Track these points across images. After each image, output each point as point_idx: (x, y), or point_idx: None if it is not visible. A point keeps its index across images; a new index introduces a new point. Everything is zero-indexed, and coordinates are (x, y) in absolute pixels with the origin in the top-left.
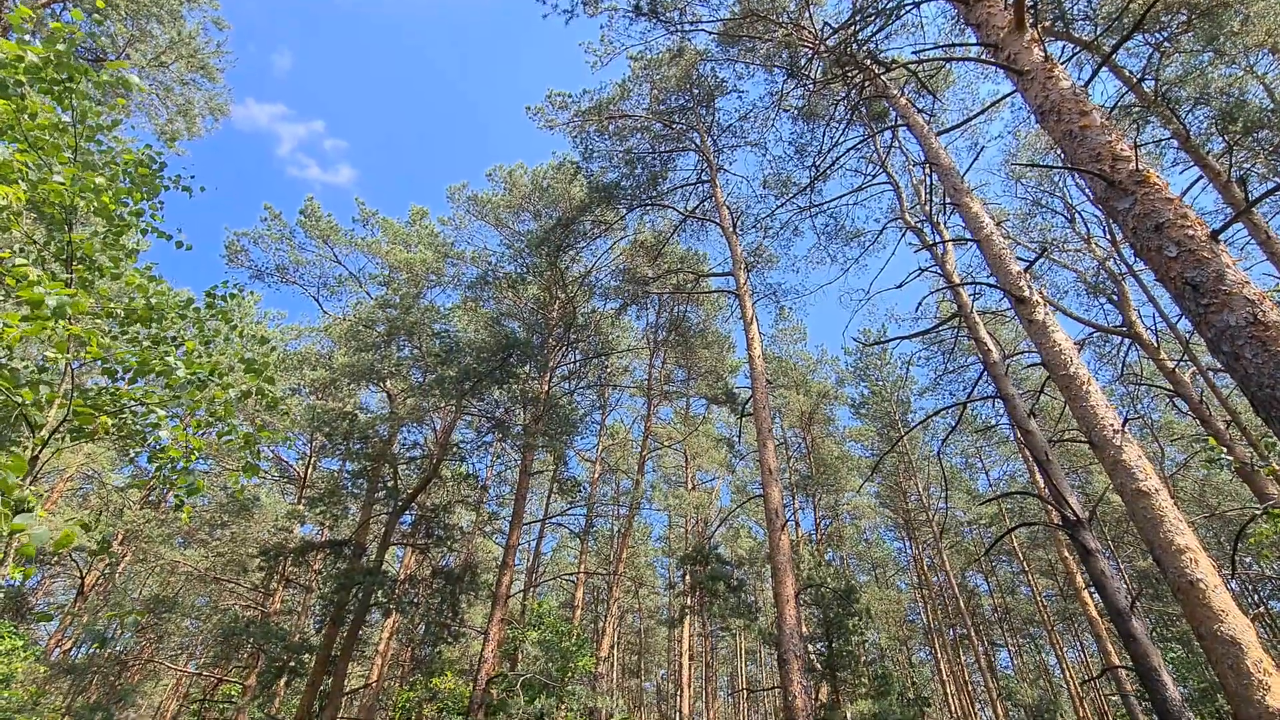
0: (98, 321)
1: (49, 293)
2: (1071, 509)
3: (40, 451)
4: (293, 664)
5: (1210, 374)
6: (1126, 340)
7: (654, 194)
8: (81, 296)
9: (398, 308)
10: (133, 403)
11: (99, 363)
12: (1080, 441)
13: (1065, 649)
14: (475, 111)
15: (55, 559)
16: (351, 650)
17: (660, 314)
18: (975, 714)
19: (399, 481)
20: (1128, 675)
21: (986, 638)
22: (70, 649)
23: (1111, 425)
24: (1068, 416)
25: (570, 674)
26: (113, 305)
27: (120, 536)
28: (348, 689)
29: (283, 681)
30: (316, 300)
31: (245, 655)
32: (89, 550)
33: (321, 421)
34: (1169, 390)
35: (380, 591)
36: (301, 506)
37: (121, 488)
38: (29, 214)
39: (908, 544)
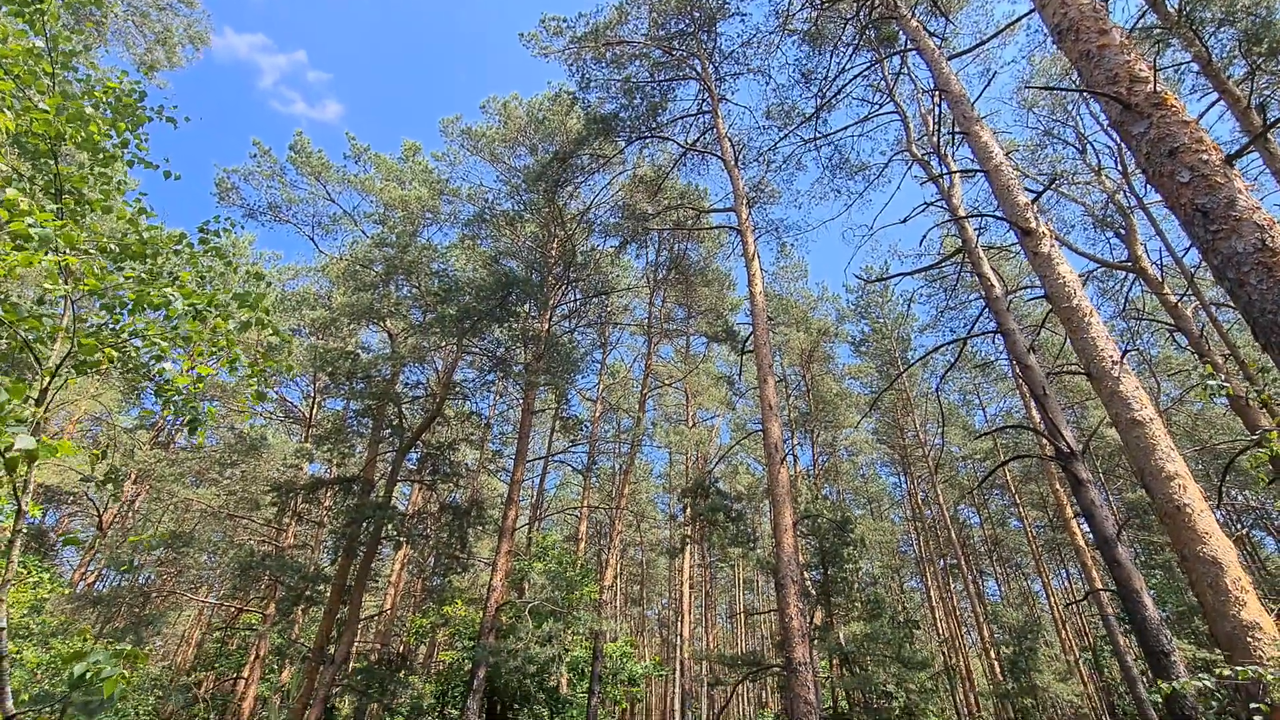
0: (91, 254)
1: (35, 224)
2: (1066, 442)
3: (49, 384)
4: (309, 593)
5: (1213, 308)
6: (1130, 275)
7: (653, 125)
8: (72, 228)
9: (394, 246)
10: (134, 338)
11: (97, 299)
12: (1077, 372)
13: (1051, 577)
14: (469, 40)
15: (71, 498)
16: (365, 580)
17: (660, 251)
18: (962, 637)
19: (404, 420)
20: (1110, 598)
21: (975, 567)
22: (94, 582)
23: (1110, 357)
24: (1067, 352)
25: (575, 602)
26: (105, 240)
27: (133, 476)
28: (363, 616)
29: (301, 610)
30: (312, 239)
31: (263, 587)
32: (97, 481)
33: (324, 361)
34: (1170, 325)
35: (390, 525)
36: (309, 445)
37: (130, 429)
38: (10, 149)
39: (903, 479)
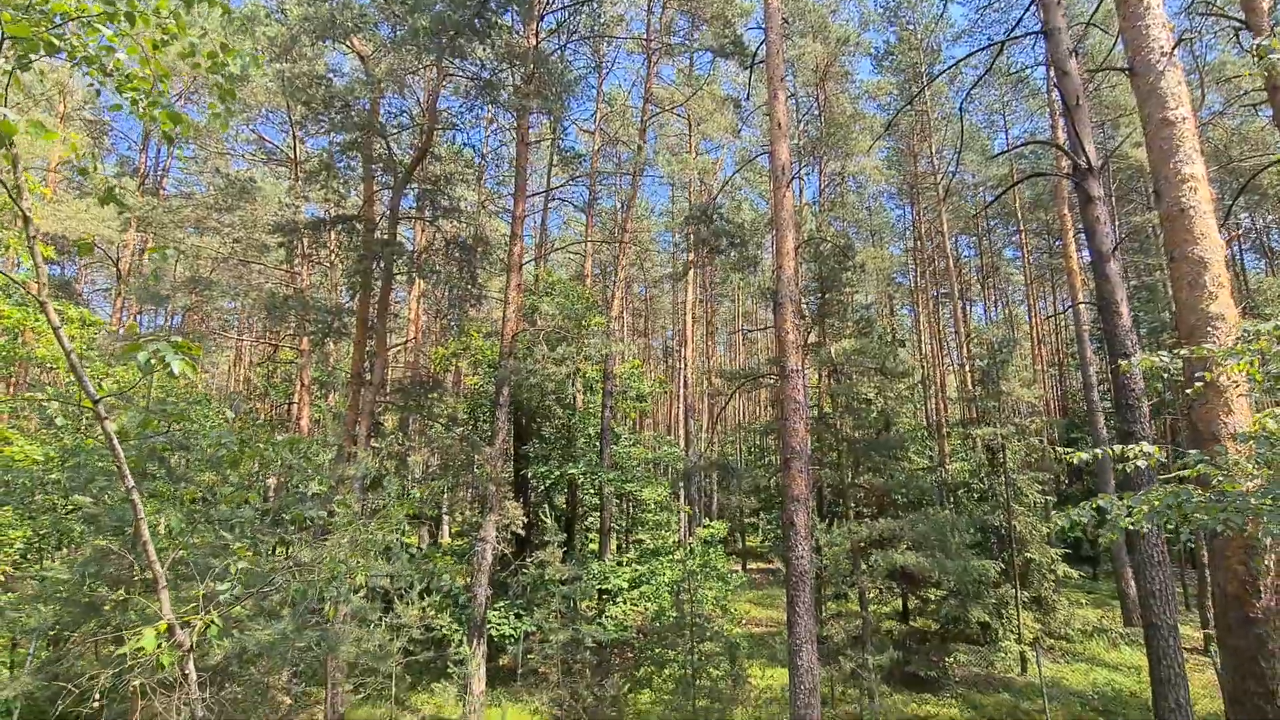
0: None
1: None
2: (1086, 157)
3: None
4: (337, 325)
5: None
6: None
7: None
8: None
9: None
10: (67, 20)
11: None
12: (1118, 70)
13: (1037, 300)
14: None
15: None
16: (386, 313)
17: None
18: (943, 356)
19: (393, 156)
20: (1088, 311)
21: (966, 296)
22: (129, 327)
23: (1160, 48)
24: (1112, 59)
25: (584, 330)
26: None
27: (132, 223)
28: (390, 346)
29: (332, 343)
30: None
31: (292, 326)
32: (97, 197)
33: (295, 88)
34: (1238, 21)
35: (400, 260)
36: (300, 185)
37: (115, 177)
38: None
39: (908, 210)
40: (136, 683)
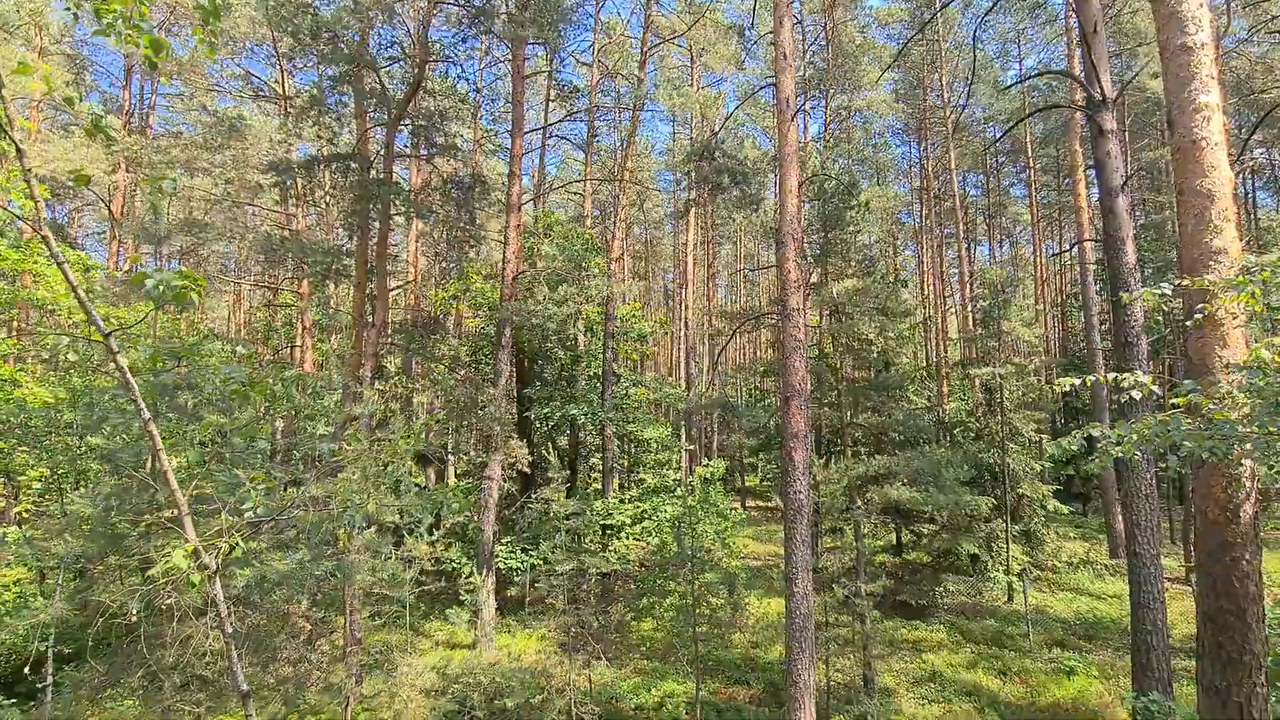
0: None
1: None
2: (1100, 88)
3: None
4: (337, 268)
5: None
6: None
7: None
8: None
9: None
10: None
11: None
12: None
13: (1042, 239)
14: None
15: (74, 190)
16: (385, 254)
17: None
18: (946, 297)
19: (385, 90)
20: (1093, 251)
21: (971, 237)
22: (130, 268)
23: None
24: None
25: (585, 272)
26: None
27: (120, 164)
28: (391, 288)
29: (333, 286)
30: None
31: (290, 269)
32: (84, 129)
33: (280, 18)
34: None
35: (398, 200)
36: (290, 123)
37: (100, 114)
38: None
39: (915, 147)
40: (168, 601)
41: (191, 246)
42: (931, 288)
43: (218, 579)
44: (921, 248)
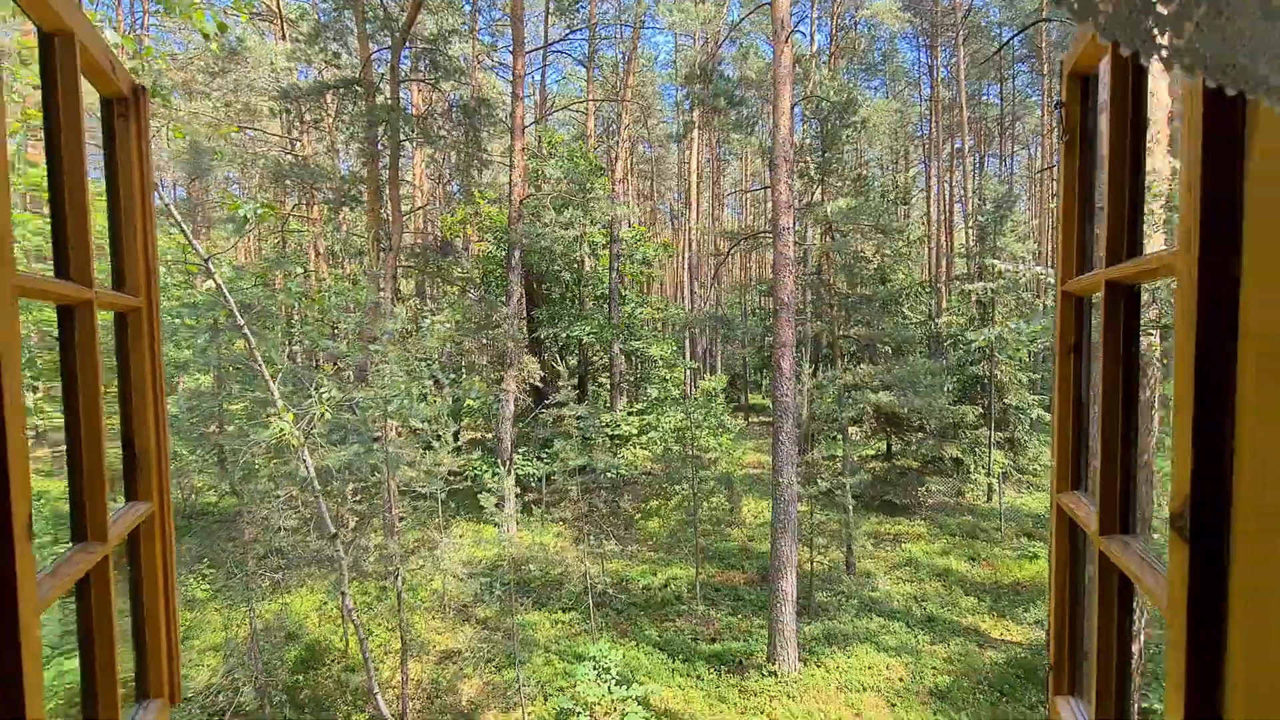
0: None
1: None
2: None
3: None
4: (353, 192)
5: None
6: None
7: None
8: None
9: None
10: None
11: None
12: None
13: (1053, 154)
14: None
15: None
16: (396, 179)
17: None
18: (949, 215)
19: (388, 10)
20: None
21: (986, 150)
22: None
23: None
24: None
25: (589, 193)
26: None
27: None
28: (402, 212)
29: (348, 210)
30: None
31: (299, 195)
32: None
33: None
34: None
35: (406, 125)
36: (296, 46)
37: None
38: None
39: (924, 53)
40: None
41: (195, 175)
42: (938, 203)
43: (306, 442)
44: (929, 161)
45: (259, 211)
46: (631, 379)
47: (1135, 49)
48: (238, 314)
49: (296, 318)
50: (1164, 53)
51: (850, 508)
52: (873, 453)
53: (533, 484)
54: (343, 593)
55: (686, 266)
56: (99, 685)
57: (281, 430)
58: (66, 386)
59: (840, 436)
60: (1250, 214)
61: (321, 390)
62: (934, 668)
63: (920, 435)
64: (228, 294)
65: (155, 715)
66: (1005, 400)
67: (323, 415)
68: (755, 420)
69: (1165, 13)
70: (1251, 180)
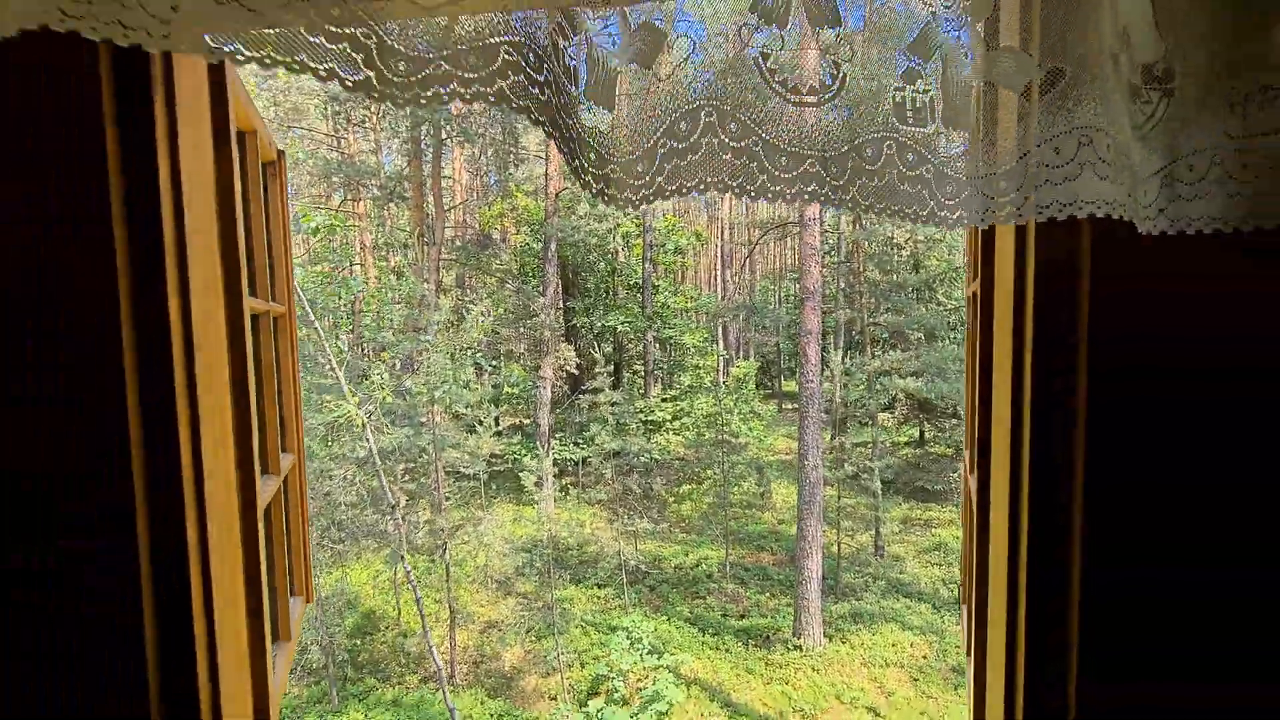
0: None
1: None
2: None
3: None
4: (398, 190)
5: None
6: None
7: None
8: None
9: None
10: None
11: None
12: None
13: None
14: None
15: None
16: (439, 176)
17: None
18: None
19: None
20: None
21: None
22: None
23: None
24: None
25: None
26: None
27: None
28: (444, 208)
29: (394, 205)
30: None
31: (345, 192)
32: None
33: None
34: None
35: (447, 125)
36: None
37: None
38: None
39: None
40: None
41: None
42: None
43: (370, 422)
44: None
45: (329, 224)
46: (665, 366)
47: None
48: (309, 309)
49: (345, 311)
50: None
51: (879, 492)
52: (905, 439)
53: (570, 467)
54: (401, 556)
55: (719, 255)
56: (275, 582)
57: (346, 412)
58: (256, 371)
59: (870, 422)
60: None
61: (379, 377)
62: (958, 646)
63: (954, 421)
64: (300, 290)
65: (299, 609)
66: None
67: (383, 400)
68: (789, 407)
69: None
70: None
